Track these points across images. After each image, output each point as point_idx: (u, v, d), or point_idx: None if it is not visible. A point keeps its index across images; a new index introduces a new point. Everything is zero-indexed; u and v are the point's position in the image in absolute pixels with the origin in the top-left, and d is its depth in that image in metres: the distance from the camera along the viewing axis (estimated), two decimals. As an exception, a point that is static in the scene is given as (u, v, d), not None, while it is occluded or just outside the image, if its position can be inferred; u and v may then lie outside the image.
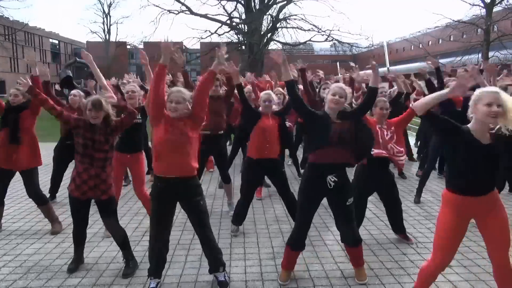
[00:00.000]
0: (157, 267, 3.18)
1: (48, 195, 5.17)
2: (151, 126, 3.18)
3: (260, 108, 4.29)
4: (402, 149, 3.82)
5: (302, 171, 6.15)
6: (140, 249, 3.92)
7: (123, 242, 3.53)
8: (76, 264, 3.53)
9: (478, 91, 2.48)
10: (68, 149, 4.85)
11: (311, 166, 3.18)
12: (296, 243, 3.29)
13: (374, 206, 5.16)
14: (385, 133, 3.83)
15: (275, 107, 4.37)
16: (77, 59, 20.84)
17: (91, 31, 67.82)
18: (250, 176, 4.32)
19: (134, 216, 4.94)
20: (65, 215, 4.84)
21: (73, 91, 5.68)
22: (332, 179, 3.08)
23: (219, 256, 3.23)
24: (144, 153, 4.60)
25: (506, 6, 16.83)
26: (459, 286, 3.19)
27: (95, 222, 4.35)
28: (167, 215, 3.14)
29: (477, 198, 2.52)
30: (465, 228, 2.60)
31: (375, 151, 3.74)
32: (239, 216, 4.35)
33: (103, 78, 3.93)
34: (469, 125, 2.54)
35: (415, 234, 4.30)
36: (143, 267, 3.51)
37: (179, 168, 3.01)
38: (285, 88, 3.31)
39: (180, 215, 4.50)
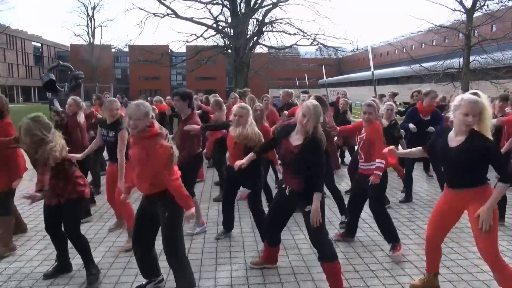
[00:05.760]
0: (141, 269, 3.15)
1: None
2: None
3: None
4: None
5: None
6: (123, 255, 3.88)
7: (81, 250, 3.36)
8: (55, 271, 3.45)
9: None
10: None
11: None
12: (268, 239, 3.53)
13: (359, 209, 5.18)
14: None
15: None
16: (60, 62, 20.48)
17: (75, 34, 66.68)
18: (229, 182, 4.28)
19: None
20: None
21: (69, 101, 5.41)
22: (289, 188, 3.21)
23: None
24: None
25: (486, 12, 17.20)
26: (442, 286, 3.23)
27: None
28: (146, 225, 3.05)
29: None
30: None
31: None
32: (228, 221, 4.35)
33: None
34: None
35: (399, 236, 4.34)
36: (127, 273, 3.48)
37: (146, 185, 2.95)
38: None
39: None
